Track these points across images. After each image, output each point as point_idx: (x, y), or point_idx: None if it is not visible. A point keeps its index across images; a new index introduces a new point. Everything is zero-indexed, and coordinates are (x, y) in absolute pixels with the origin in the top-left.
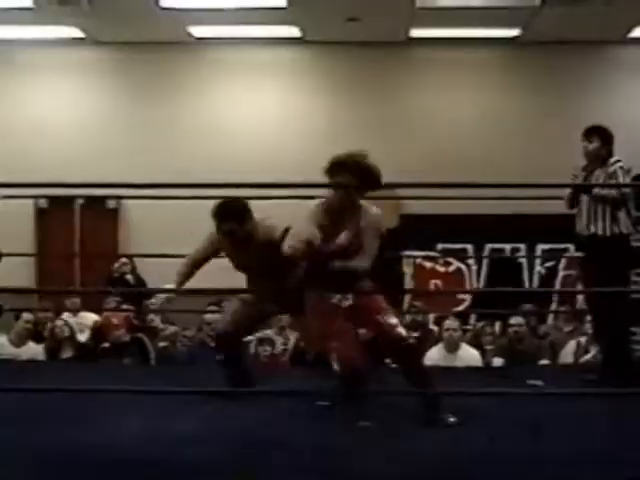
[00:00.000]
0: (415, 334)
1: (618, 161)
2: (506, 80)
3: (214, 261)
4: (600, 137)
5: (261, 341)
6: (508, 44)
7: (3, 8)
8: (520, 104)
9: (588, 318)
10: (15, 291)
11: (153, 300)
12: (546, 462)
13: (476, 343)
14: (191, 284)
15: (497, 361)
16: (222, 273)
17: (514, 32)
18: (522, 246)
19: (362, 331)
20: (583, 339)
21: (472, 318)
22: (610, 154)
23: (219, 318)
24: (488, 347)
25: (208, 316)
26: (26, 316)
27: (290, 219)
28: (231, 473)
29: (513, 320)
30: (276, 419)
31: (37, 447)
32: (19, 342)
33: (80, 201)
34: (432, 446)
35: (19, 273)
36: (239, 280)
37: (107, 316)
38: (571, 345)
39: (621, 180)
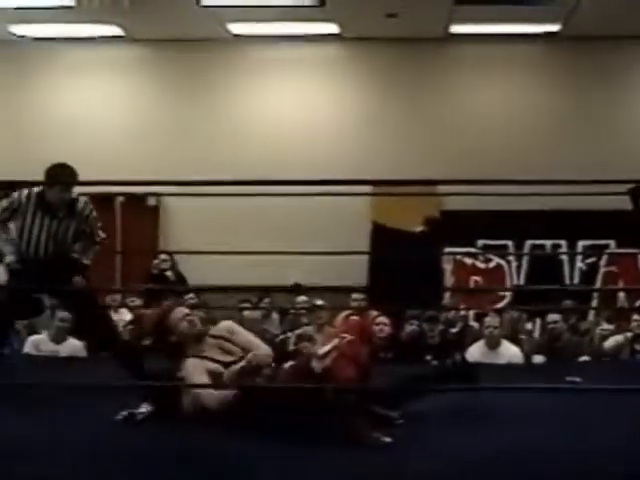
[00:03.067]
0: (454, 330)
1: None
2: (546, 76)
3: (249, 257)
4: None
5: (300, 337)
6: (548, 40)
7: (45, 7)
8: (561, 99)
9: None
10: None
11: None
12: (581, 456)
13: (514, 337)
14: (228, 281)
15: (537, 358)
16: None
17: (554, 27)
18: (563, 242)
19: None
20: (623, 336)
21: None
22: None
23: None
24: (522, 336)
25: (246, 313)
26: (61, 314)
27: (327, 215)
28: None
29: (550, 317)
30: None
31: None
32: (59, 339)
33: (120, 199)
34: (471, 441)
35: None
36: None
37: (141, 314)
38: (612, 342)
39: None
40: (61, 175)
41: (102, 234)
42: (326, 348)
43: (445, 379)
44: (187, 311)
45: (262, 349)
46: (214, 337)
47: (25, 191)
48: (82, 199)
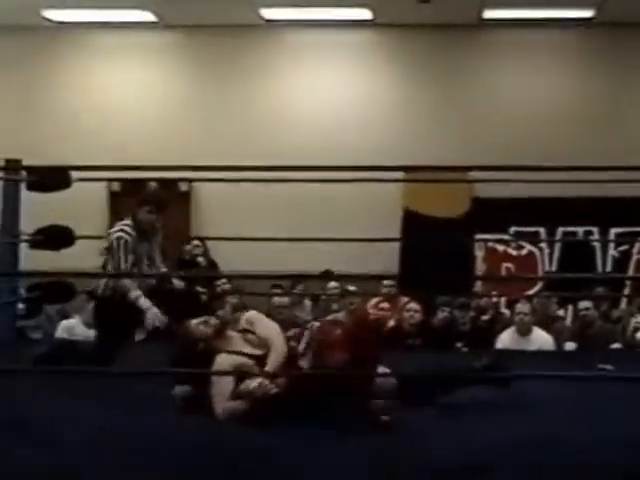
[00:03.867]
0: (485, 317)
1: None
2: (580, 62)
3: (280, 243)
4: None
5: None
6: (582, 25)
7: None
8: (594, 86)
9: None
10: (89, 275)
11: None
12: (611, 446)
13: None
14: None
15: (569, 345)
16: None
17: (588, 13)
18: (595, 229)
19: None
20: None
21: None
22: None
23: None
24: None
25: (276, 299)
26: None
27: (358, 202)
28: None
29: (581, 304)
30: None
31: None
32: (91, 323)
33: (152, 184)
34: (500, 429)
35: (92, 256)
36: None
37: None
38: None
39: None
40: (156, 199)
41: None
42: (302, 345)
43: (475, 380)
44: (201, 319)
45: (277, 349)
46: (238, 331)
47: (125, 227)
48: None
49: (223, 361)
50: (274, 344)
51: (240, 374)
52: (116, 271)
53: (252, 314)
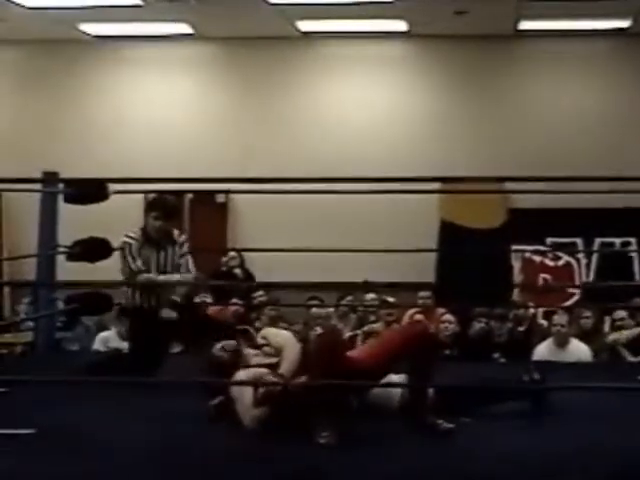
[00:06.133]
0: (521, 328)
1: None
2: (616, 72)
3: (317, 254)
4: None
5: (368, 335)
6: (619, 36)
7: (113, 5)
8: (631, 96)
9: None
10: (122, 284)
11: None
12: None
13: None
14: (296, 278)
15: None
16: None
17: (625, 23)
18: (632, 240)
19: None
20: None
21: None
22: None
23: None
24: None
25: (314, 310)
26: None
27: (395, 213)
28: None
29: (616, 315)
30: None
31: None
32: (126, 336)
33: (189, 196)
34: (537, 440)
35: None
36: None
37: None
38: None
39: None
40: (163, 205)
41: (193, 268)
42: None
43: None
44: (220, 344)
45: (289, 352)
46: (257, 348)
47: (130, 234)
48: (176, 231)
49: (241, 376)
50: (286, 348)
51: (256, 383)
52: (127, 275)
53: (265, 330)
